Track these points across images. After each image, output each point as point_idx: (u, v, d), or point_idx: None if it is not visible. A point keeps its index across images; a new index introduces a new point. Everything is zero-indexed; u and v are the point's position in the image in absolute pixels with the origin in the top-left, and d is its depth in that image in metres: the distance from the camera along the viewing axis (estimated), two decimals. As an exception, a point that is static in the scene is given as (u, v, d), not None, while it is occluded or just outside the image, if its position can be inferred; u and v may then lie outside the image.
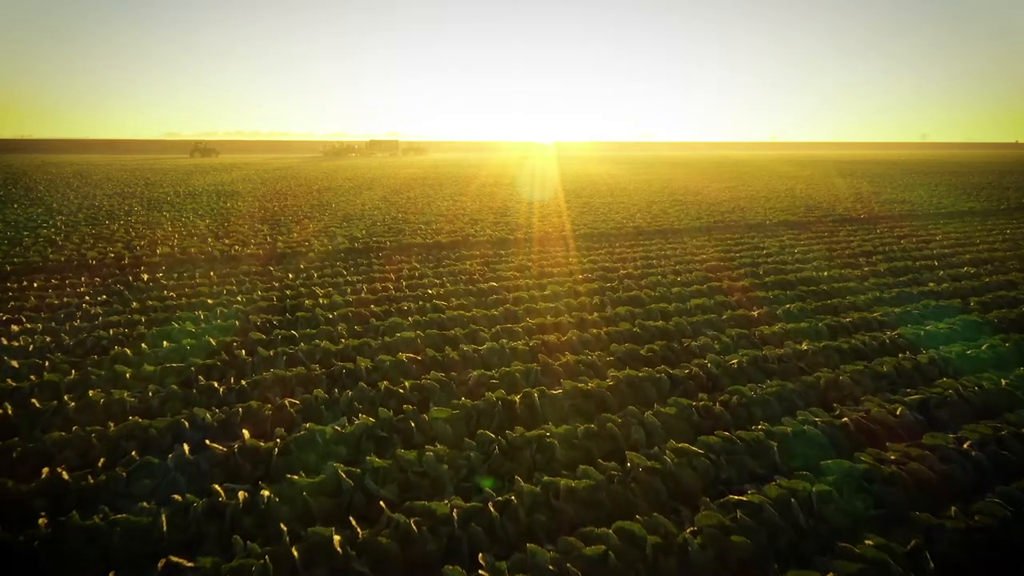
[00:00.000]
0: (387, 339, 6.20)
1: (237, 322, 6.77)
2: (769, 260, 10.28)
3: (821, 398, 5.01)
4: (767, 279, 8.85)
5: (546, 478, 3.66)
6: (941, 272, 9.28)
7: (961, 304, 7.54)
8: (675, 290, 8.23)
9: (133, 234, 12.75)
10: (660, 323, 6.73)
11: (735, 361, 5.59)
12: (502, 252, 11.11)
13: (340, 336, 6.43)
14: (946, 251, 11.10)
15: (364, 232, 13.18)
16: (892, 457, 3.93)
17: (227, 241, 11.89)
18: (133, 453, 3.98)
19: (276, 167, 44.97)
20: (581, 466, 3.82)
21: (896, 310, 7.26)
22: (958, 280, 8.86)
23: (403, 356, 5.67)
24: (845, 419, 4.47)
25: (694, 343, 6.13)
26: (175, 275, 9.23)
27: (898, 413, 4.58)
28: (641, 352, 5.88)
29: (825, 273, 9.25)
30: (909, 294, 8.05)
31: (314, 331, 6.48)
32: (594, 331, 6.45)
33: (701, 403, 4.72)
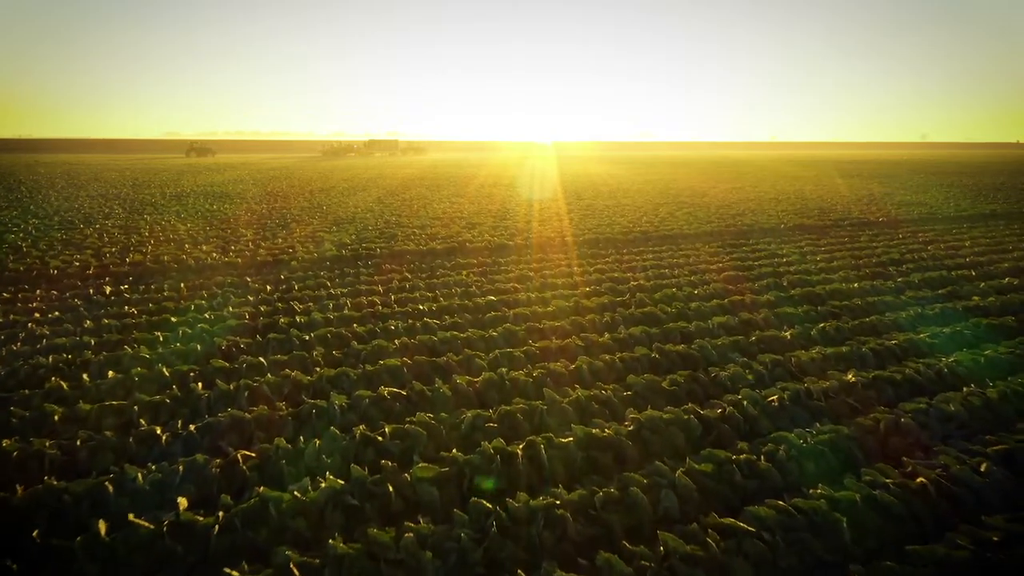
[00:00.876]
0: (368, 368, 5.37)
1: (199, 346, 5.94)
2: (791, 270, 9.45)
3: (884, 447, 4.18)
4: (793, 292, 8.02)
5: (559, 573, 2.84)
6: (982, 284, 8.46)
7: (1016, 323, 6.71)
8: (693, 305, 7.40)
9: (106, 240, 11.91)
10: (681, 347, 5.91)
11: (775, 398, 4.76)
12: (501, 260, 10.29)
13: (315, 364, 5.59)
14: (980, 259, 10.28)
15: (354, 237, 12.34)
16: (995, 539, 3.11)
17: (205, 248, 11.06)
18: (35, 533, 3.15)
19: (272, 167, 44.14)
20: (602, 553, 3.00)
21: (945, 330, 6.43)
22: (1003, 293, 8.05)
23: (385, 391, 4.84)
24: (921, 479, 3.64)
25: (722, 372, 5.30)
26: (141, 287, 8.40)
27: (983, 470, 3.75)
28: (663, 385, 5.05)
29: (855, 285, 8.43)
30: (954, 311, 7.22)
31: (286, 357, 5.65)
32: (606, 357, 5.62)
33: (742, 456, 3.89)
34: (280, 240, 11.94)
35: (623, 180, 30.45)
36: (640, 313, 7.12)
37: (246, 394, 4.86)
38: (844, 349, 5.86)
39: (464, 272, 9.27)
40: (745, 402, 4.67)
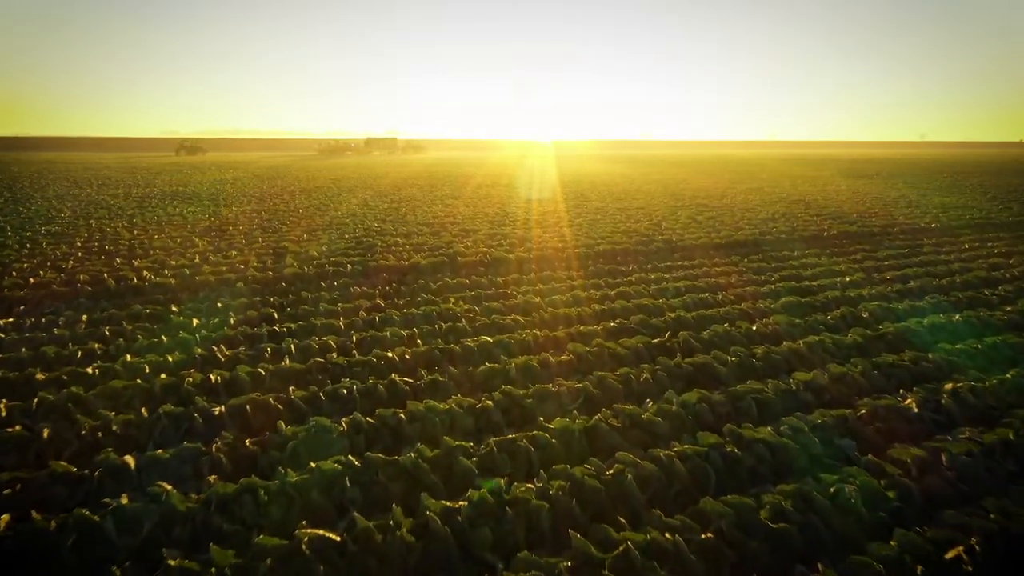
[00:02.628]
0: (291, 477, 3.42)
1: (47, 432, 3.98)
2: (865, 295, 7.51)
3: None
4: (884, 331, 6.08)
5: None
6: (1121, 316, 6.54)
7: None
8: (759, 352, 5.47)
9: (25, 251, 9.95)
10: (765, 432, 3.96)
11: (958, 552, 2.83)
12: (499, 280, 8.34)
13: (214, 465, 3.65)
14: (1087, 278, 8.36)
15: (325, 249, 10.40)
16: None
17: (138, 263, 9.10)
18: None
19: (264, 166, 42.15)
20: None
21: None
22: None
23: (305, 537, 2.90)
24: None
25: (848, 488, 3.36)
26: (29, 321, 6.43)
27: None
28: (762, 517, 3.11)
29: (957, 317, 6.49)
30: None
31: (169, 454, 3.70)
32: (660, 454, 3.67)
33: None
34: (235, 253, 9.99)
35: (630, 180, 28.51)
36: (690, 365, 5.18)
37: (71, 542, 2.92)
38: (1011, 436, 3.92)
39: (452, 299, 7.31)
40: (909, 559, 2.73)
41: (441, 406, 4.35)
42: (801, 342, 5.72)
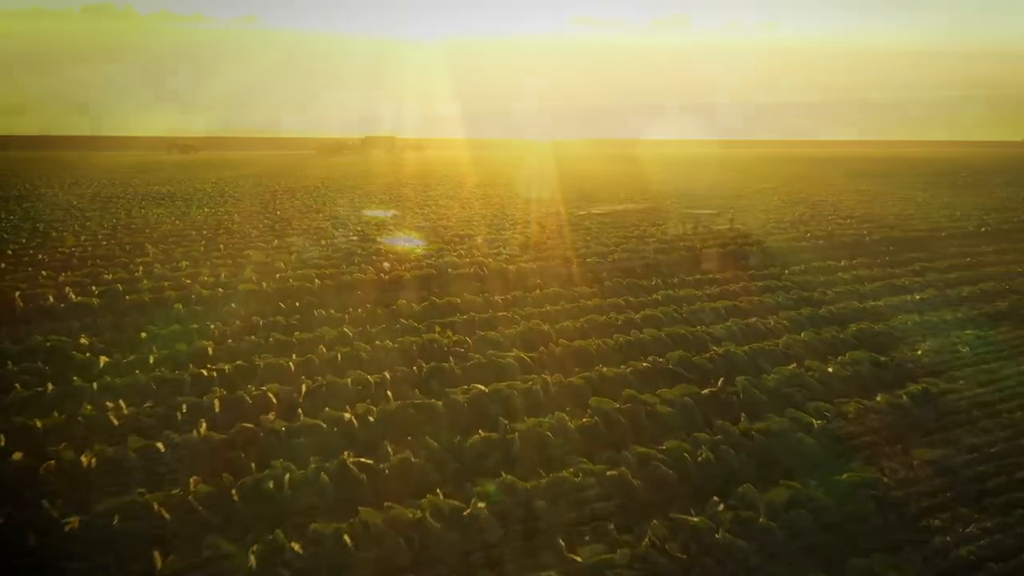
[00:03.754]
0: None
1: None
2: (951, 322, 6.08)
3: None
4: (1005, 378, 4.63)
5: None
6: None
7: None
8: (850, 411, 4.03)
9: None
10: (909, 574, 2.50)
11: None
12: (497, 299, 6.91)
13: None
14: None
15: (293, 259, 8.93)
16: None
17: (66, 277, 7.62)
18: None
19: (259, 165, 40.56)
20: None
21: None
22: None
23: None
24: None
25: None
26: None
27: None
28: None
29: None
30: None
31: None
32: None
33: None
34: (186, 264, 8.53)
35: (634, 179, 27.04)
36: (762, 434, 3.72)
37: None
38: None
39: (438, 327, 5.85)
40: None
41: (410, 514, 2.90)
42: (903, 394, 4.26)
